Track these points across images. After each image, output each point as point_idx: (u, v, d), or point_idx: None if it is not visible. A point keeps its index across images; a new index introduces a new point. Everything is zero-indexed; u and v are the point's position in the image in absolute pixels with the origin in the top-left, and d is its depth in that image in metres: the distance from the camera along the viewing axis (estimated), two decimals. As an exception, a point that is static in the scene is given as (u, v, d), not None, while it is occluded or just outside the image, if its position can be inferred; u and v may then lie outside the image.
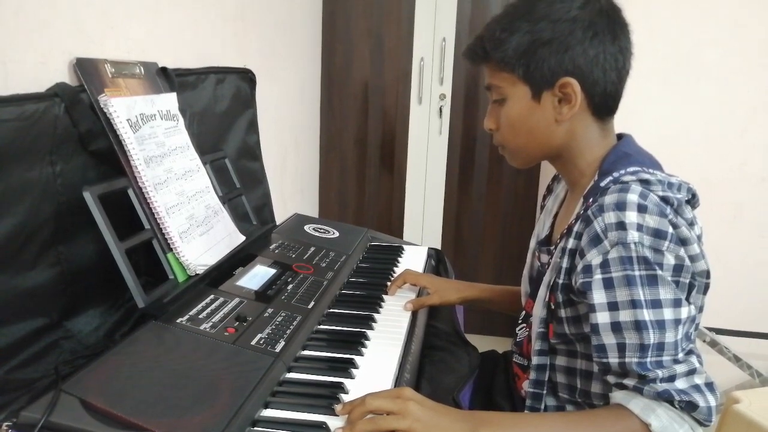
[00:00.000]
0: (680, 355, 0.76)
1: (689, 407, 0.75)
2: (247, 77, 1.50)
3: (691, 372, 0.76)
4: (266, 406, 0.79)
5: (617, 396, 0.79)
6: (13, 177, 0.80)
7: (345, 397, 0.82)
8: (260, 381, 0.80)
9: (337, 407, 0.77)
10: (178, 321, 0.91)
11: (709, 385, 0.76)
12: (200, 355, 0.84)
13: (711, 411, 0.75)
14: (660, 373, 0.75)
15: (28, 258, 0.84)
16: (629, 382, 0.77)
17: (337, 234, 1.50)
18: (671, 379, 0.75)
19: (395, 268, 1.36)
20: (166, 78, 1.15)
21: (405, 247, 1.52)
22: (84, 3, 0.96)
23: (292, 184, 2.25)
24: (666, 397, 0.75)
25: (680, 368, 0.76)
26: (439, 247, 2.46)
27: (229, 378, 0.80)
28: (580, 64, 0.84)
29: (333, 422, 0.76)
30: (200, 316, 0.94)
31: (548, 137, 0.90)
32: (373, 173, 2.72)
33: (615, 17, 0.86)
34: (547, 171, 2.48)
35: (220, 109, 1.39)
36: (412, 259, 1.43)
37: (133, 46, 1.11)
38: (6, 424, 0.67)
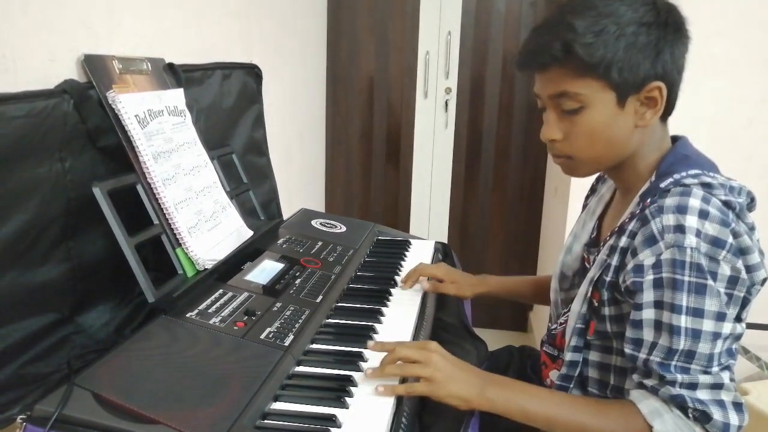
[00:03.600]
0: (713, 369, 0.75)
1: (702, 417, 0.73)
2: (253, 72, 1.50)
3: (718, 386, 0.74)
4: (276, 399, 0.79)
5: (633, 394, 0.79)
6: (23, 173, 0.80)
7: (355, 390, 0.82)
8: (270, 374, 0.81)
9: (370, 343, 0.91)
10: (188, 315, 0.92)
11: (737, 405, 0.75)
12: (210, 349, 0.85)
13: (728, 428, 0.73)
14: (680, 377, 0.74)
15: (39, 254, 0.85)
16: (649, 382, 0.77)
17: (344, 228, 1.50)
18: (692, 386, 0.74)
19: (403, 262, 1.36)
20: (172, 74, 1.16)
21: (412, 241, 1.52)
22: (91, 0, 0.97)
23: (298, 180, 2.25)
24: (679, 402, 0.74)
25: (705, 379, 0.74)
26: (445, 241, 2.46)
27: (238, 371, 0.80)
28: (667, 68, 0.82)
29: (342, 414, 0.76)
30: (209, 311, 0.94)
31: (625, 145, 0.86)
32: (379, 168, 2.72)
33: (682, 15, 0.84)
34: (555, 165, 2.47)
35: (226, 105, 1.39)
36: (419, 253, 1.43)
37: (139, 43, 1.12)
38: (20, 417, 0.68)
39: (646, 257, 0.77)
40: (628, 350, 0.80)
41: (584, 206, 1.10)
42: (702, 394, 0.74)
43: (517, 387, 0.84)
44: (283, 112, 1.98)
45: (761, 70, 1.87)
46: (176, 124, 1.09)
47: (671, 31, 0.81)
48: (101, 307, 0.97)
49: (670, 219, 0.76)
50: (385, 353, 0.86)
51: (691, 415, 0.74)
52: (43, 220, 0.84)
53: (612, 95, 0.82)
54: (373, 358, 0.92)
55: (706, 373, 0.75)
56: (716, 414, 0.73)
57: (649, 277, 0.77)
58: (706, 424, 0.74)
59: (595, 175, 1.09)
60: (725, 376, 0.75)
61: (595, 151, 0.86)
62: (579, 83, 0.82)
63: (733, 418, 0.74)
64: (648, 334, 0.77)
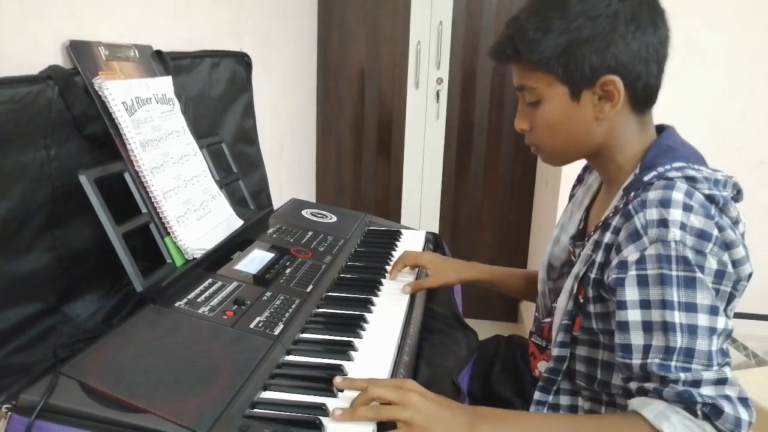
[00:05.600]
0: (714, 367, 0.71)
1: (713, 413, 0.69)
2: (242, 61, 1.49)
3: (722, 381, 0.70)
4: (265, 389, 0.79)
5: (633, 402, 0.75)
6: (6, 160, 0.79)
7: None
8: (259, 363, 0.80)
9: (337, 379, 0.77)
10: (177, 305, 0.91)
11: (743, 400, 0.70)
12: (199, 338, 0.84)
13: (740, 423, 0.69)
14: (683, 376, 0.70)
15: (24, 242, 0.84)
16: (650, 385, 0.73)
17: (334, 218, 1.49)
18: (696, 384, 0.70)
19: (393, 252, 1.35)
20: (160, 61, 1.14)
21: (403, 231, 1.51)
22: (76, -16, 0.95)
23: (289, 170, 2.24)
24: (687, 399, 0.70)
25: (708, 375, 0.70)
26: (436, 231, 2.46)
27: (228, 361, 0.80)
28: (622, 60, 0.80)
29: (332, 403, 0.76)
30: (198, 300, 0.93)
31: (588, 137, 0.86)
32: (370, 158, 2.71)
33: (654, 5, 0.82)
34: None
35: (215, 93, 1.37)
36: (410, 243, 1.43)
37: (126, 30, 1.10)
38: (5, 406, 0.67)
39: (630, 253, 0.75)
40: (619, 358, 0.76)
41: (571, 196, 1.09)
42: (707, 390, 0.70)
43: (511, 418, 0.78)
44: (274, 102, 1.97)
45: (753, 62, 1.87)
46: (164, 112, 1.08)
47: (623, 22, 0.79)
48: (88, 297, 0.96)
49: (653, 213, 0.74)
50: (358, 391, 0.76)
51: (700, 412, 0.70)
52: (28, 208, 0.83)
53: (564, 89, 0.83)
54: (363, 349, 0.92)
55: (708, 370, 0.71)
56: (727, 407, 0.69)
57: (632, 272, 0.75)
58: (717, 420, 0.69)
59: (582, 165, 1.08)
60: (728, 371, 0.72)
61: (556, 142, 0.88)
62: (532, 78, 0.84)
63: (743, 413, 0.69)
64: (636, 338, 0.74)
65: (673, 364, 0.71)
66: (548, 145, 0.89)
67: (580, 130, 0.85)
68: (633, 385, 0.76)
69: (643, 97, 0.84)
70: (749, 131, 1.92)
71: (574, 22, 0.79)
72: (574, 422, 0.78)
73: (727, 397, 0.70)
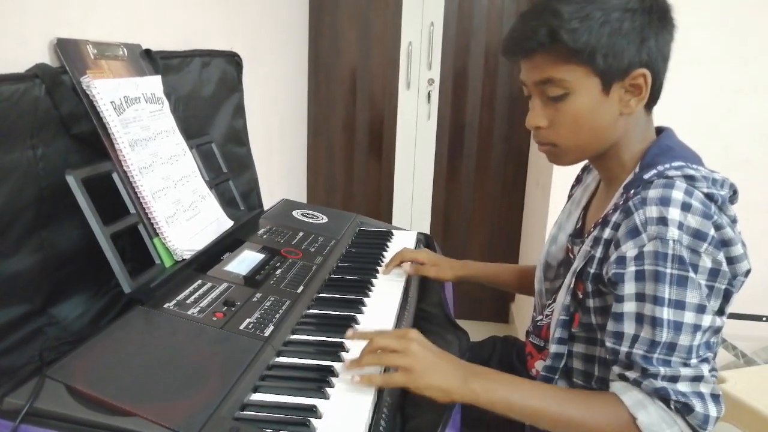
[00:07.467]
0: (693, 361, 0.76)
1: (684, 410, 0.75)
2: (233, 60, 1.48)
3: (698, 378, 0.75)
4: (255, 390, 0.78)
5: (615, 386, 0.80)
6: (-8, 160, 0.78)
7: (335, 381, 0.82)
8: (249, 365, 0.80)
9: (349, 332, 0.88)
10: (166, 306, 0.90)
11: (715, 397, 0.76)
12: (188, 339, 0.84)
13: (708, 420, 0.75)
14: (662, 370, 0.75)
15: (10, 243, 0.82)
16: (631, 374, 0.78)
17: (325, 219, 1.49)
18: (673, 379, 0.75)
19: (385, 253, 1.35)
20: (150, 60, 1.13)
21: (394, 232, 1.51)
22: (64, -18, 0.94)
23: (279, 170, 2.23)
24: (662, 395, 0.75)
25: (686, 371, 0.75)
26: (428, 232, 2.46)
27: (217, 362, 0.79)
28: (652, 55, 0.81)
29: (323, 405, 0.75)
30: (188, 301, 0.93)
31: (610, 132, 0.86)
32: (362, 159, 2.70)
33: (670, 6, 0.84)
34: (537, 157, 2.48)
35: (206, 93, 1.36)
36: (402, 244, 1.43)
37: (114, 28, 1.09)
38: (-11, 410, 0.66)
39: (629, 249, 0.77)
40: (609, 344, 0.80)
41: (569, 196, 1.10)
42: (683, 387, 0.75)
43: (502, 379, 0.83)
44: (264, 102, 1.96)
45: (739, 61, 1.89)
46: (153, 112, 1.07)
47: (656, 18, 0.81)
48: (76, 299, 0.95)
49: (653, 211, 0.76)
50: (366, 343, 0.85)
51: (673, 407, 0.75)
52: (14, 208, 0.82)
53: (596, 82, 0.82)
54: (354, 349, 0.91)
55: (686, 365, 0.75)
56: (697, 406, 0.74)
57: (631, 269, 0.77)
58: (688, 415, 0.75)
59: (581, 165, 1.09)
60: (704, 369, 0.76)
61: (579, 138, 0.86)
62: (564, 69, 0.82)
63: (712, 410, 0.75)
64: (629, 327, 0.78)
65: (655, 356, 0.76)
66: (569, 141, 0.87)
67: (604, 124, 0.85)
68: (616, 369, 0.80)
69: (655, 93, 0.86)
70: (734, 130, 1.94)
71: (613, 13, 0.80)
72: (559, 393, 0.83)
73: (700, 395, 0.75)
